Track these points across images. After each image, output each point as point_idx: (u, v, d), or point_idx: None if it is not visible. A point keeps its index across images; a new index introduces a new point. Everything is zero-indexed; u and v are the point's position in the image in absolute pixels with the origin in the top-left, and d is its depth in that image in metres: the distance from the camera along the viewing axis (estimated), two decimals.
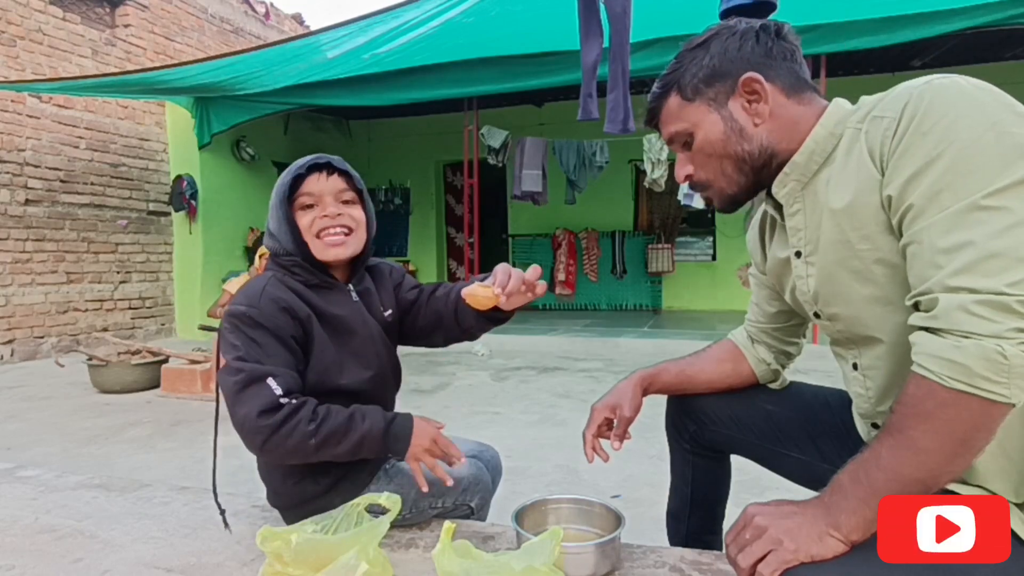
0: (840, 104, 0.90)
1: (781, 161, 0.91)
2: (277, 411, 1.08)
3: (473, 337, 1.36)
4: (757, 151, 0.91)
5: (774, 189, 0.95)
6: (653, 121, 1.00)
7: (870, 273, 0.83)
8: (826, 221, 0.87)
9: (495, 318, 1.27)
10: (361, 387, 1.23)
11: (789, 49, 0.92)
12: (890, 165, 0.76)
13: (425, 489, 1.19)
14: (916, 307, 0.73)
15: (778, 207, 0.97)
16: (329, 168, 1.22)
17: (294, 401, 1.10)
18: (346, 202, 1.23)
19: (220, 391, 1.18)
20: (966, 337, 0.66)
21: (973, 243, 0.67)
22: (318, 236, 1.21)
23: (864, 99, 0.87)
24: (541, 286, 1.19)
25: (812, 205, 0.91)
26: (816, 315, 0.97)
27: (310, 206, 1.21)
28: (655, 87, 0.98)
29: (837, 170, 0.86)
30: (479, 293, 1.17)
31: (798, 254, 0.95)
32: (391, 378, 1.34)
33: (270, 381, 1.09)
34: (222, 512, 1.28)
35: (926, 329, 0.71)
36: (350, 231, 1.23)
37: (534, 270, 1.18)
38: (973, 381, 0.66)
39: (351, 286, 1.29)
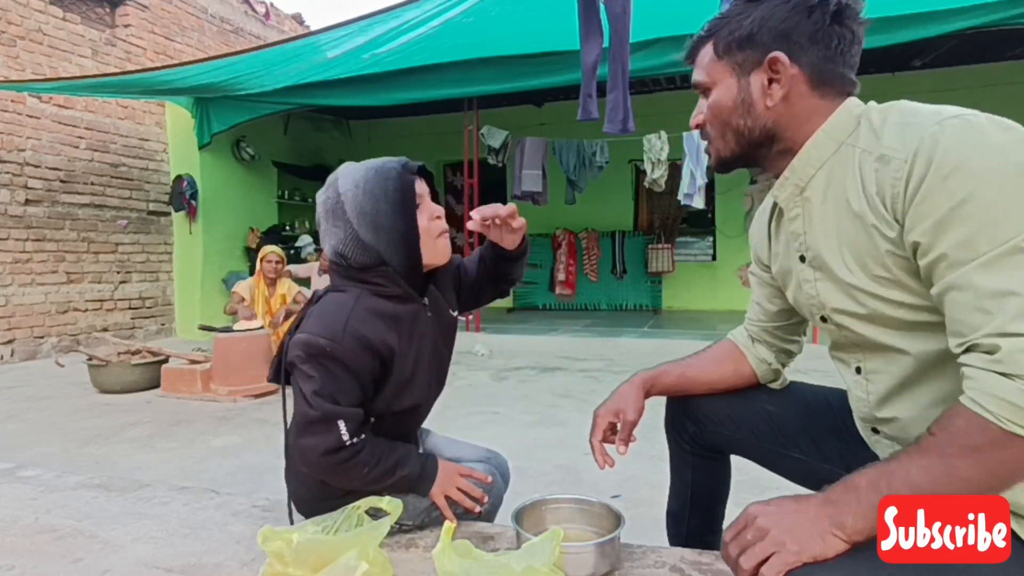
0: (848, 108, 0.87)
1: (782, 148, 0.91)
2: (340, 452, 1.13)
3: (507, 281, 1.43)
4: (757, 131, 0.90)
5: (775, 191, 0.95)
6: (688, 59, 0.99)
7: (871, 289, 0.84)
8: (822, 237, 0.89)
9: (507, 257, 1.34)
10: (420, 403, 1.28)
11: (841, 36, 0.86)
12: (911, 211, 0.75)
13: (454, 522, 1.22)
14: (966, 350, 0.72)
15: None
16: (423, 171, 1.24)
17: (355, 441, 1.14)
18: None
19: (291, 403, 1.19)
20: None
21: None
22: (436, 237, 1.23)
23: (867, 114, 0.85)
24: (519, 222, 1.26)
25: (808, 212, 0.91)
26: (823, 319, 0.96)
27: (417, 207, 1.21)
28: (701, 28, 0.96)
29: (831, 188, 0.87)
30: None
31: (802, 258, 0.95)
32: (441, 386, 1.37)
33: (340, 424, 1.11)
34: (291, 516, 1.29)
35: (988, 371, 0.69)
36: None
37: (509, 207, 1.25)
38: None
39: (426, 300, 1.27)
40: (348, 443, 1.12)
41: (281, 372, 1.20)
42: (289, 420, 1.26)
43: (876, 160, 0.79)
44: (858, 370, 0.95)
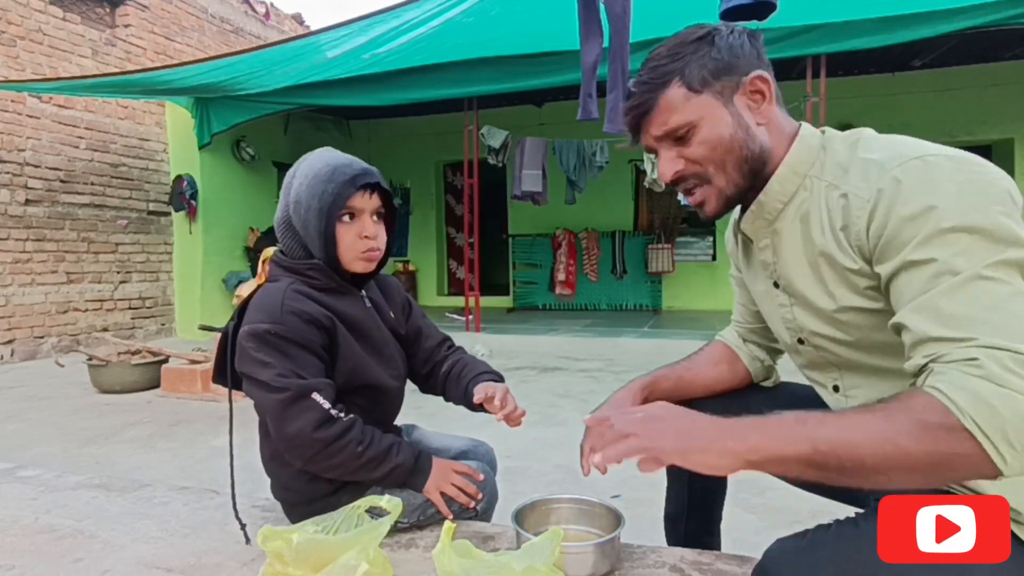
0: (806, 140, 0.90)
1: (770, 171, 0.91)
2: (331, 425, 1.12)
3: (434, 392, 1.46)
4: (759, 151, 0.90)
5: (743, 224, 0.97)
6: (642, 116, 0.91)
7: (846, 318, 0.86)
8: (794, 268, 0.91)
9: (468, 405, 1.35)
10: (384, 384, 1.27)
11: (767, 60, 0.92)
12: (878, 251, 0.77)
13: (450, 517, 1.24)
14: (933, 360, 0.70)
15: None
16: (375, 187, 1.22)
17: (344, 417, 1.14)
18: (378, 217, 1.25)
19: (243, 402, 1.20)
20: (1010, 391, 0.62)
21: (991, 308, 0.67)
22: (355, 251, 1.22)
23: (830, 145, 0.88)
24: (516, 423, 1.28)
25: (777, 244, 0.94)
26: (800, 341, 0.98)
27: (350, 219, 1.20)
28: (645, 78, 0.90)
29: (799, 220, 0.89)
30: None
31: (776, 284, 0.97)
32: (404, 379, 1.38)
33: (315, 396, 1.11)
34: (243, 526, 1.27)
35: (964, 372, 0.66)
36: (380, 250, 1.26)
37: (522, 413, 1.28)
38: (992, 433, 0.62)
39: (364, 292, 1.31)
40: (334, 414, 1.12)
41: (228, 373, 1.21)
42: (253, 426, 1.27)
43: (841, 196, 0.83)
44: (836, 388, 0.97)
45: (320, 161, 1.21)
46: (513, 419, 1.26)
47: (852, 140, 0.87)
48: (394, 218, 1.31)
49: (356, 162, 1.22)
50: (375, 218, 1.24)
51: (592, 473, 1.13)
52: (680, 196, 6.15)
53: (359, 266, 1.24)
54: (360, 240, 1.21)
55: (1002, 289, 0.68)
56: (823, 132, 0.92)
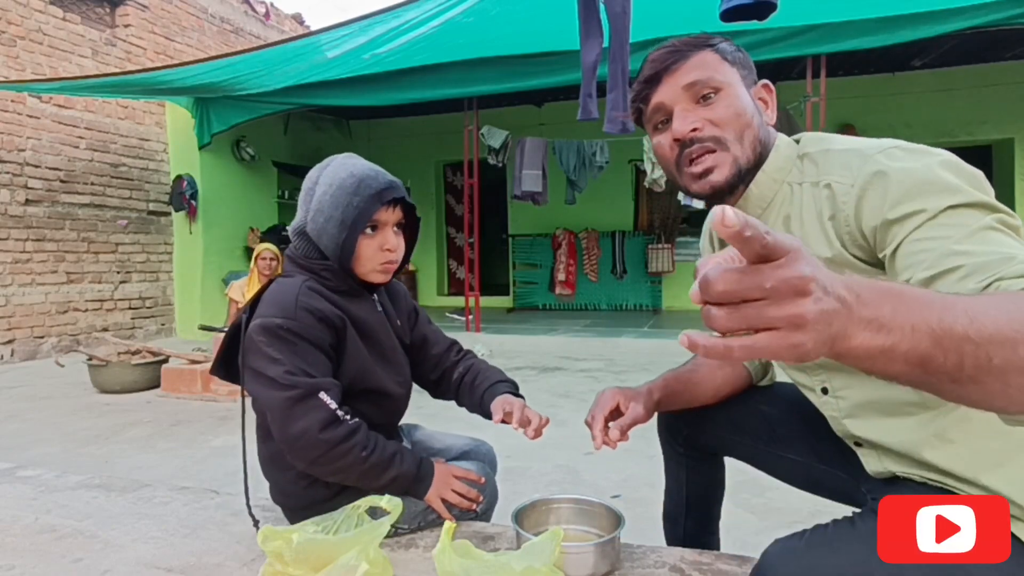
0: (782, 150, 0.92)
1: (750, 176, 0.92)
2: (337, 426, 1.11)
3: (445, 397, 1.47)
4: (767, 142, 0.92)
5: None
6: (673, 64, 0.89)
7: None
8: None
9: (483, 414, 1.35)
10: (388, 390, 1.27)
11: None
12: (882, 228, 0.77)
13: (453, 523, 1.23)
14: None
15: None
16: (399, 200, 1.21)
17: (349, 419, 1.13)
18: (398, 228, 1.24)
19: (246, 401, 1.20)
20: None
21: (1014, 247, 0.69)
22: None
23: (804, 150, 0.90)
24: (539, 435, 1.26)
25: None
26: None
27: (372, 231, 1.20)
28: (676, 42, 0.91)
29: (779, 223, 0.90)
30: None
31: None
32: (410, 387, 1.37)
33: (323, 395, 1.11)
34: (256, 523, 1.27)
35: None
36: (397, 262, 1.25)
37: (544, 423, 1.26)
38: None
39: (375, 296, 1.31)
40: (340, 415, 1.12)
41: (241, 369, 1.20)
42: (251, 422, 1.26)
43: (825, 187, 0.84)
44: (824, 391, 0.97)
45: (344, 170, 1.18)
46: (538, 432, 1.26)
47: (819, 141, 0.90)
48: (415, 227, 1.30)
49: (381, 174, 1.20)
50: (395, 229, 1.23)
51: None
52: (680, 196, 6.14)
53: (377, 277, 1.23)
54: (380, 252, 1.21)
55: (1009, 238, 0.70)
56: (797, 141, 0.94)
